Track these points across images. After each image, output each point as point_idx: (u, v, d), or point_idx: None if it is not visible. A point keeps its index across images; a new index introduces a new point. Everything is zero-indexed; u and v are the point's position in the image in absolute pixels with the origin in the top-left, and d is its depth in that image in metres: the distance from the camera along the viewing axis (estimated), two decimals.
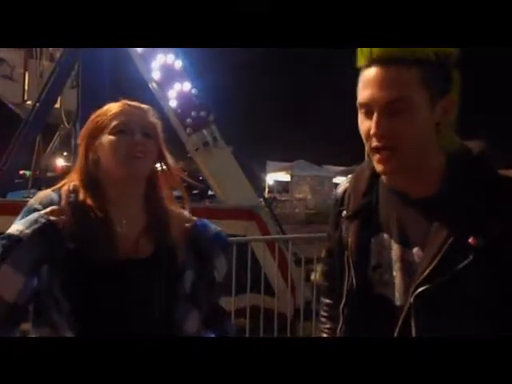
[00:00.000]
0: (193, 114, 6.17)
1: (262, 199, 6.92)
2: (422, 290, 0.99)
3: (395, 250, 1.08)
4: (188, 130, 6.17)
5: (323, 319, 1.32)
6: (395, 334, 1.03)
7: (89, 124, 1.26)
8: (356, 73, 1.04)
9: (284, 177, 23.06)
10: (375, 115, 1.00)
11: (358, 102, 1.04)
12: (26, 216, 1.14)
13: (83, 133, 1.27)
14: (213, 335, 1.32)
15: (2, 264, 1.05)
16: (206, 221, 1.36)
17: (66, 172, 1.32)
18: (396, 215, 1.09)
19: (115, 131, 1.21)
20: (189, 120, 6.12)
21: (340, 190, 1.24)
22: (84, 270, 1.13)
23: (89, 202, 1.19)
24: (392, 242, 1.08)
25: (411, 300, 1.00)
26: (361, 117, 1.04)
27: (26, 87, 8.38)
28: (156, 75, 6.12)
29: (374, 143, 1.01)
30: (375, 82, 0.99)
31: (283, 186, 24.36)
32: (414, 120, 0.99)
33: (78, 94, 5.76)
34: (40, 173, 7.64)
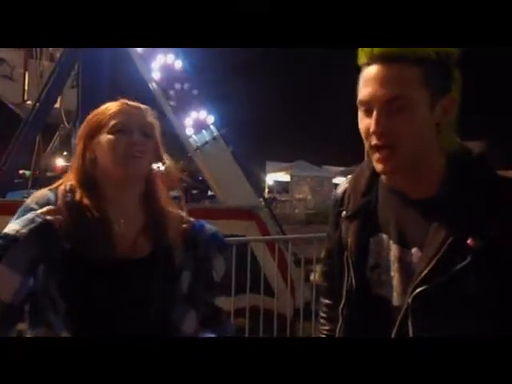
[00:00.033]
0: (192, 114, 6.18)
1: (261, 199, 6.92)
2: (420, 291, 0.99)
3: (393, 250, 1.08)
4: (188, 131, 6.18)
5: (323, 320, 1.31)
6: (393, 335, 1.03)
7: (87, 123, 1.26)
8: (356, 72, 1.04)
9: (284, 177, 23.08)
10: (375, 113, 0.99)
11: (358, 99, 1.04)
12: (23, 215, 1.14)
13: (81, 132, 1.26)
14: (211, 335, 1.32)
15: None
16: (202, 221, 1.35)
17: (65, 172, 1.32)
18: (395, 216, 1.08)
19: (114, 130, 1.20)
20: (188, 120, 6.13)
21: (340, 190, 1.24)
22: (81, 270, 1.13)
23: (85, 201, 1.19)
24: (391, 242, 1.08)
25: (409, 301, 1.00)
26: (361, 115, 1.04)
27: (26, 87, 8.40)
28: (156, 75, 6.12)
29: (374, 141, 1.01)
30: (376, 80, 0.99)
31: (283, 187, 24.37)
32: (413, 119, 0.99)
33: (77, 93, 5.76)
34: (40, 173, 7.66)
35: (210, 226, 1.35)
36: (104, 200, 1.21)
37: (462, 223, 0.98)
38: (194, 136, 6.23)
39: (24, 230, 1.09)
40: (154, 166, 1.27)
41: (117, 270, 1.17)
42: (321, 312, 1.33)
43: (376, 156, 1.02)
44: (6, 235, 1.09)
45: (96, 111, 1.26)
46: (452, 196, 1.00)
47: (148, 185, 1.28)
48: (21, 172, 8.14)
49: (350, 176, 1.24)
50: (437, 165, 1.05)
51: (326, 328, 1.29)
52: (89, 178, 1.22)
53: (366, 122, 1.02)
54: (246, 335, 3.63)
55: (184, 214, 1.35)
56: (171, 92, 6.18)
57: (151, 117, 1.28)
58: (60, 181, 1.26)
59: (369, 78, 1.00)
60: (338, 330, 1.16)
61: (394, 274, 1.07)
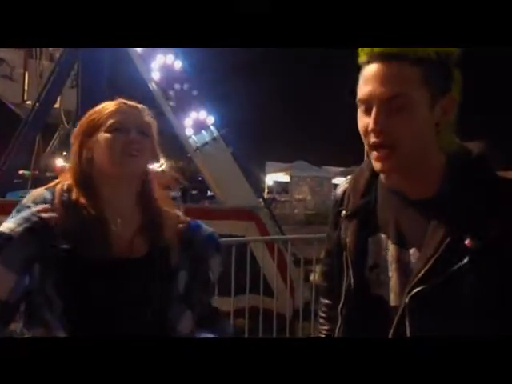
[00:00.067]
0: (192, 114, 6.19)
1: (261, 200, 6.93)
2: (417, 291, 0.99)
3: (391, 250, 1.08)
4: (188, 131, 6.18)
5: (322, 320, 1.31)
6: (390, 335, 1.03)
7: (83, 122, 1.25)
8: (356, 72, 1.04)
9: (283, 177, 23.08)
10: (374, 111, 0.99)
11: (357, 98, 1.03)
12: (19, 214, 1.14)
13: (77, 131, 1.25)
14: (208, 335, 1.32)
15: None
16: (199, 222, 1.35)
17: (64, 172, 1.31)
18: (394, 216, 1.08)
19: (111, 129, 1.20)
20: (188, 120, 6.13)
21: (339, 190, 1.24)
22: (77, 269, 1.13)
23: (82, 200, 1.18)
24: (389, 242, 1.08)
25: (406, 301, 1.00)
26: (360, 113, 1.04)
27: (26, 87, 8.40)
28: (156, 75, 6.13)
29: (373, 139, 1.01)
30: (376, 78, 0.99)
31: (283, 187, 24.38)
32: (413, 118, 0.98)
33: (77, 93, 5.77)
34: (39, 173, 7.65)
35: (206, 227, 1.35)
36: (101, 199, 1.20)
37: (461, 224, 0.98)
38: (193, 136, 6.23)
39: (19, 229, 1.09)
40: (151, 166, 1.27)
41: (113, 269, 1.17)
42: (320, 312, 1.33)
43: (374, 154, 1.02)
44: (1, 234, 1.08)
45: (93, 110, 1.25)
46: (451, 196, 1.00)
47: (144, 184, 1.28)
48: (20, 172, 8.14)
49: (349, 176, 1.24)
50: (436, 165, 1.05)
51: (326, 328, 1.29)
52: (85, 177, 1.21)
53: (365, 121, 1.02)
54: (246, 335, 3.63)
55: (181, 213, 1.34)
56: (171, 92, 6.19)
57: (148, 116, 1.27)
58: (57, 180, 1.26)
59: (369, 76, 1.00)
60: (337, 330, 1.16)
61: (392, 274, 1.07)
